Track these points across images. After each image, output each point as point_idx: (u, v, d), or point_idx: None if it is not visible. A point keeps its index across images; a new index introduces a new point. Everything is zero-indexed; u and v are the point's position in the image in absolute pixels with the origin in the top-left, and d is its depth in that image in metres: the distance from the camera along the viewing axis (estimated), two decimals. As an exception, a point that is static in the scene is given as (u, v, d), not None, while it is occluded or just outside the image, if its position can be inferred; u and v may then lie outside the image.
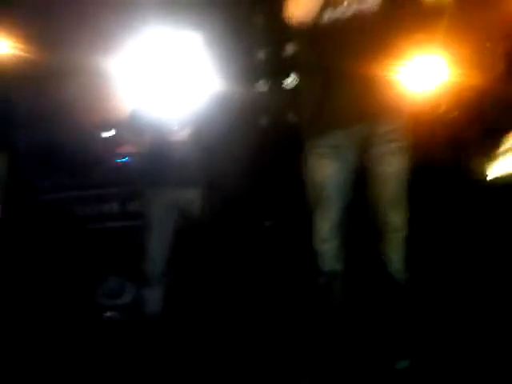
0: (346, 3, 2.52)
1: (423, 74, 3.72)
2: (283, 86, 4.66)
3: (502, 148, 3.68)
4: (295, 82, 4.37)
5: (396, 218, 2.51)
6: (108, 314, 3.86)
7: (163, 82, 3.25)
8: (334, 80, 2.52)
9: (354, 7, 2.52)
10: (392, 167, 2.51)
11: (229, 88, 3.60)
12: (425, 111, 3.93)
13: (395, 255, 2.56)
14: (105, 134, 4.19)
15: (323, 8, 2.51)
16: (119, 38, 3.43)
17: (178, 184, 3.31)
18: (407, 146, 2.56)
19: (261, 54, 4.71)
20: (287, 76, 4.66)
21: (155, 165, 3.33)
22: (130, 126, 3.44)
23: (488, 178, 3.76)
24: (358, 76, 2.47)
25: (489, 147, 3.73)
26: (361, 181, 2.60)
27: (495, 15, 3.84)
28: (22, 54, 3.76)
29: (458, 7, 3.74)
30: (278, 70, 4.68)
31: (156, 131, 3.30)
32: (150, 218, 3.35)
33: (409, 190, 2.59)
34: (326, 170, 2.53)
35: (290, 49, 4.30)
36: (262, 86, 4.80)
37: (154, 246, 3.33)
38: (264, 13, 3.65)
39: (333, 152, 2.53)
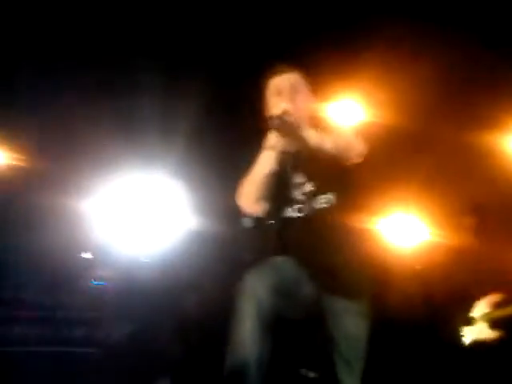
0: (300, 204, 2.53)
1: (400, 232, 3.80)
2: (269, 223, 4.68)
3: (473, 314, 3.67)
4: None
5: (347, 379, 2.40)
6: None
7: (139, 221, 3.53)
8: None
9: (308, 207, 2.52)
10: (350, 329, 2.42)
11: (209, 227, 3.68)
12: (401, 268, 3.95)
13: None
14: (83, 255, 4.21)
15: (282, 205, 2.53)
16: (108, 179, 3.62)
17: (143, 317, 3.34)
18: (366, 311, 2.48)
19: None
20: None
21: (122, 295, 3.40)
22: (105, 254, 3.57)
23: (462, 343, 3.71)
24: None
25: (460, 310, 3.71)
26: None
27: (469, 187, 3.98)
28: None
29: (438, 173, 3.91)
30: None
31: (128, 263, 3.41)
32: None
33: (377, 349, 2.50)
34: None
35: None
36: (248, 222, 4.84)
37: None
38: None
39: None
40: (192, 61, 4.25)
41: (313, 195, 2.52)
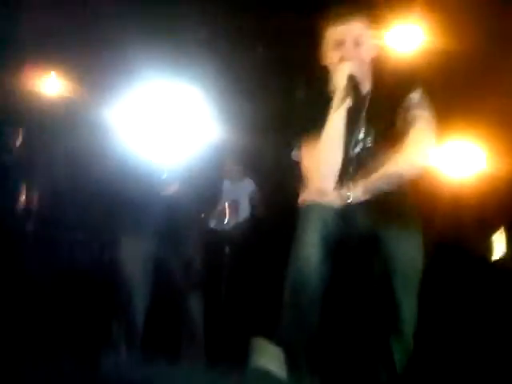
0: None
1: (458, 161, 3.66)
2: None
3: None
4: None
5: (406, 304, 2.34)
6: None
7: (158, 133, 3.20)
8: None
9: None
10: (406, 252, 2.37)
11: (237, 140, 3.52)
12: (458, 198, 3.83)
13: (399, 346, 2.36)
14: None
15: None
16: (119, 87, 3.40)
17: (160, 237, 3.15)
18: (420, 236, 2.43)
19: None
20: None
21: (137, 212, 3.16)
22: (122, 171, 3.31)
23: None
24: None
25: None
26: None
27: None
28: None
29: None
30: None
31: (145, 179, 3.16)
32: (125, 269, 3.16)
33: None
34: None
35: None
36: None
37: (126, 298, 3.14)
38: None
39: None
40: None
41: (373, 152, 2.38)
